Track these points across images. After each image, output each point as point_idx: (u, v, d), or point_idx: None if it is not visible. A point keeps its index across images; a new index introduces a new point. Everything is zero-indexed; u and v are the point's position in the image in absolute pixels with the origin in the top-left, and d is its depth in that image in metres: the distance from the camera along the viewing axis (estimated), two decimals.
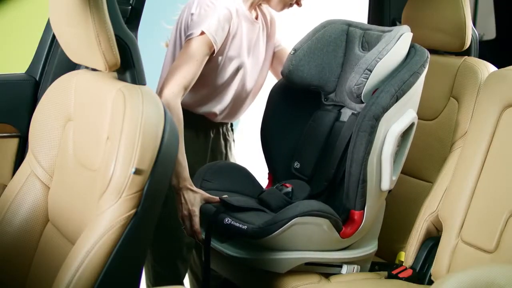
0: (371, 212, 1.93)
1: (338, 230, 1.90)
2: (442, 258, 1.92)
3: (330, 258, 1.94)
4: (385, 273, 2.05)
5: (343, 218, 1.92)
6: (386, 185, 1.91)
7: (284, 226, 1.79)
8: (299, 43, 2.11)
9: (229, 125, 2.35)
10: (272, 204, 1.99)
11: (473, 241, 1.86)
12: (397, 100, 1.86)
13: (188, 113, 2.15)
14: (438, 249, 1.97)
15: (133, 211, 1.43)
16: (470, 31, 2.17)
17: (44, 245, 1.68)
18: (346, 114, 2.10)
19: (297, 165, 2.14)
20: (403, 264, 2.06)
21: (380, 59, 1.88)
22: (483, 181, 1.90)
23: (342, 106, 2.12)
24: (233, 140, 2.42)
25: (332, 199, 1.98)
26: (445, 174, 2.08)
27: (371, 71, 1.88)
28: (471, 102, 2.12)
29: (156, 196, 1.48)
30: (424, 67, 1.93)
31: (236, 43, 2.11)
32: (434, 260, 1.97)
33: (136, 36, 2.13)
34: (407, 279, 1.98)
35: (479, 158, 1.92)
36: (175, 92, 1.95)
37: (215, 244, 1.90)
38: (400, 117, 1.89)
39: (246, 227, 1.82)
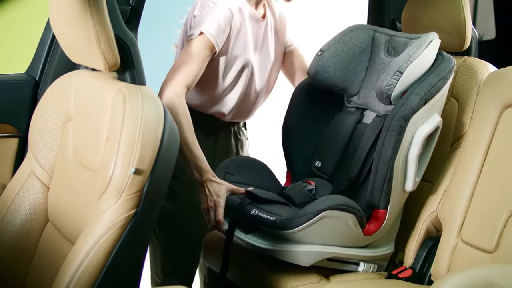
0: (393, 212, 1.97)
1: (362, 227, 1.92)
2: (442, 258, 1.93)
3: (351, 254, 1.96)
4: (385, 273, 2.05)
5: (366, 216, 1.95)
6: (409, 186, 1.95)
7: (313, 219, 1.81)
8: (326, 45, 2.15)
9: (241, 124, 2.35)
10: (296, 199, 2.01)
11: (473, 241, 1.87)
12: (425, 103, 1.91)
13: (198, 113, 2.16)
14: (438, 249, 1.97)
15: (133, 211, 1.43)
16: (470, 31, 2.17)
17: (44, 245, 1.68)
18: (369, 117, 2.13)
19: (318, 164, 2.16)
20: (403, 264, 2.07)
21: (411, 62, 1.93)
22: (483, 181, 1.90)
23: (365, 109, 2.16)
24: (247, 139, 2.41)
25: (353, 198, 2.00)
26: (445, 174, 2.08)
27: (402, 73, 1.92)
28: (471, 102, 2.13)
29: (156, 196, 1.49)
30: (451, 73, 1.98)
31: (240, 42, 2.11)
32: (434, 260, 1.97)
33: (136, 36, 2.13)
34: (407, 279, 1.98)
35: (479, 158, 1.92)
36: (178, 91, 1.95)
37: (239, 235, 1.92)
38: (427, 120, 1.94)
39: (274, 218, 1.84)
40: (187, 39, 2.04)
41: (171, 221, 2.22)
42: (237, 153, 2.34)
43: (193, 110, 2.14)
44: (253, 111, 2.30)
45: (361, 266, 2.00)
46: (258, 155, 2.27)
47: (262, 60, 2.21)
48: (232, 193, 1.96)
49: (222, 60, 2.10)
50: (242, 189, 1.97)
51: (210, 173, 1.96)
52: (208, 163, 2.06)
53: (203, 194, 1.95)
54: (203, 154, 1.97)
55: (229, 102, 2.18)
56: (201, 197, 1.96)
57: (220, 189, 1.94)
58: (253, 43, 2.16)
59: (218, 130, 2.25)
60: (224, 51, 2.08)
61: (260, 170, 2.16)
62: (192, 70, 1.99)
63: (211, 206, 1.94)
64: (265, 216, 1.86)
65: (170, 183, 1.98)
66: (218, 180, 1.96)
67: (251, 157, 2.25)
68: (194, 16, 2.07)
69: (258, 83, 2.21)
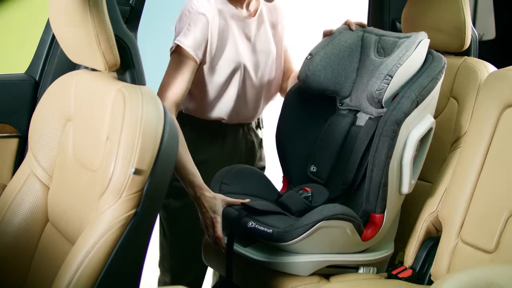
0: (391, 215, 1.97)
1: (360, 233, 1.92)
2: (442, 258, 1.93)
3: (350, 260, 1.97)
4: (385, 273, 2.05)
5: (363, 221, 1.95)
6: (405, 188, 1.96)
7: (310, 230, 1.82)
8: (315, 49, 2.14)
9: (252, 125, 2.32)
10: (293, 207, 2.01)
11: (473, 241, 1.87)
12: (417, 105, 1.91)
13: (201, 120, 2.16)
14: (437, 249, 1.97)
15: (133, 211, 1.43)
16: (469, 31, 2.17)
17: (44, 245, 1.68)
18: (362, 119, 2.13)
19: (313, 168, 2.16)
20: (403, 264, 2.07)
21: (401, 65, 1.92)
22: (483, 181, 1.90)
23: (358, 111, 2.15)
24: (260, 139, 2.38)
25: (350, 202, 2.01)
26: (445, 174, 2.09)
27: (392, 77, 1.91)
28: (471, 102, 2.13)
29: (156, 196, 1.48)
30: (442, 73, 1.97)
31: (226, 45, 2.10)
32: (434, 260, 1.97)
33: (136, 36, 2.13)
34: (407, 279, 1.98)
35: (479, 158, 1.92)
36: (168, 109, 1.96)
37: (237, 248, 1.92)
38: (420, 122, 1.93)
39: (271, 230, 1.84)
40: (170, 52, 2.05)
41: (178, 219, 2.22)
42: (247, 154, 2.31)
43: (196, 118, 2.15)
44: (259, 110, 2.27)
45: (360, 270, 2.00)
46: (274, 156, 2.27)
47: (258, 57, 2.18)
48: (228, 205, 1.96)
49: (208, 66, 2.09)
50: (238, 201, 1.97)
51: (204, 189, 1.95)
52: (216, 167, 2.07)
53: (200, 212, 1.96)
54: (196, 169, 1.97)
55: (225, 106, 2.17)
56: (199, 214, 1.97)
57: (215, 204, 1.94)
58: (243, 42, 2.14)
59: (225, 134, 2.23)
60: (209, 57, 2.08)
61: (256, 178, 2.15)
62: (178, 85, 2.00)
63: (208, 223, 1.94)
64: (262, 228, 1.85)
65: (177, 184, 1.99)
66: (212, 194, 1.96)
67: (247, 166, 2.24)
68: (175, 28, 2.08)
69: (257, 82, 2.19)
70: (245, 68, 2.14)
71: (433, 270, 1.97)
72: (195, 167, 1.97)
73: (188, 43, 2.01)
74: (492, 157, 1.90)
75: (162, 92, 2.00)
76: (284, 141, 2.19)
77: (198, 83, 2.08)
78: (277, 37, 2.25)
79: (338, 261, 1.94)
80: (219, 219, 1.93)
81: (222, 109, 2.17)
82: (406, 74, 1.93)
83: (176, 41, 2.03)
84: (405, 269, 2.03)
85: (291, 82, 2.30)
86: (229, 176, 2.09)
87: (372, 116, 2.07)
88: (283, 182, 2.24)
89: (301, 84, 2.16)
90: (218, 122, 2.20)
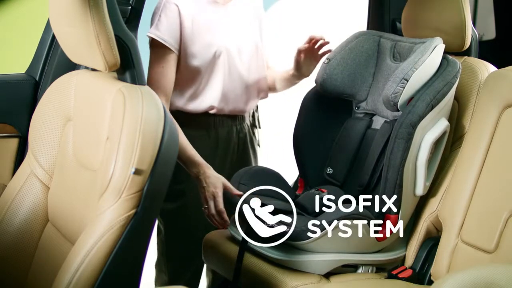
0: (405, 216, 2.00)
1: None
2: (442, 258, 1.93)
3: (365, 260, 1.99)
4: (385, 273, 2.05)
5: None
6: (420, 190, 1.99)
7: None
8: (333, 53, 2.19)
9: (246, 122, 2.31)
10: (309, 208, 2.03)
11: (473, 241, 1.87)
12: (432, 108, 1.94)
13: (193, 115, 2.16)
14: (438, 249, 1.97)
15: (133, 211, 1.43)
16: (470, 31, 2.18)
17: (44, 245, 1.68)
18: (378, 122, 2.16)
19: (329, 170, 2.19)
20: (403, 264, 2.07)
21: (416, 69, 1.96)
22: (483, 181, 1.90)
23: (374, 114, 2.19)
24: (254, 136, 2.38)
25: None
26: (445, 174, 2.09)
27: (407, 81, 1.95)
28: (471, 102, 2.13)
29: (156, 196, 1.49)
30: (457, 78, 2.01)
31: (204, 30, 2.11)
32: (434, 260, 1.97)
33: (136, 36, 2.13)
34: (407, 279, 1.99)
35: (479, 158, 1.92)
36: None
37: (254, 246, 1.94)
38: (434, 125, 1.97)
39: (288, 229, 1.86)
40: (149, 46, 2.08)
41: (173, 221, 2.22)
42: (239, 150, 2.31)
43: (185, 113, 2.14)
44: (249, 101, 2.26)
45: (359, 270, 2.01)
46: (270, 156, 2.28)
47: (240, 42, 2.19)
48: (225, 188, 2.02)
49: (188, 53, 2.10)
50: (235, 190, 2.02)
51: (204, 165, 2.03)
52: (210, 165, 2.07)
53: (200, 187, 2.01)
54: (194, 149, 2.04)
55: (213, 92, 2.16)
56: (199, 190, 2.02)
57: (217, 180, 2.01)
58: (223, 26, 2.15)
59: (218, 129, 2.23)
60: (186, 44, 2.09)
61: (273, 179, 2.18)
62: (163, 78, 2.04)
63: (209, 196, 1.99)
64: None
65: (174, 187, 1.99)
66: (213, 172, 2.02)
67: (264, 167, 2.27)
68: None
69: (242, 67, 2.19)
70: (228, 52, 2.15)
71: (433, 270, 1.98)
72: (193, 148, 2.04)
73: (159, 34, 2.05)
74: (492, 157, 1.90)
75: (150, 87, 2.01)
76: (301, 143, 2.23)
77: (183, 73, 2.09)
78: (257, 28, 2.26)
79: (354, 260, 1.96)
80: (220, 194, 1.99)
81: (211, 96, 2.16)
82: (421, 78, 1.97)
83: (148, 33, 2.06)
84: (405, 269, 2.03)
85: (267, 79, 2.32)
86: (246, 177, 2.12)
87: (388, 120, 2.10)
88: (299, 183, 2.27)
89: (318, 88, 2.20)
90: (209, 114, 2.19)
